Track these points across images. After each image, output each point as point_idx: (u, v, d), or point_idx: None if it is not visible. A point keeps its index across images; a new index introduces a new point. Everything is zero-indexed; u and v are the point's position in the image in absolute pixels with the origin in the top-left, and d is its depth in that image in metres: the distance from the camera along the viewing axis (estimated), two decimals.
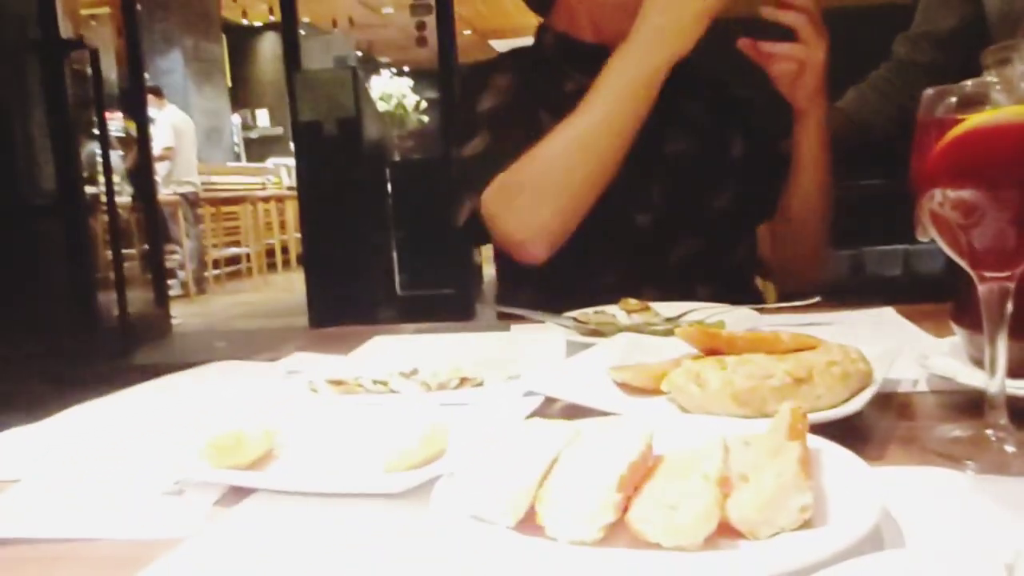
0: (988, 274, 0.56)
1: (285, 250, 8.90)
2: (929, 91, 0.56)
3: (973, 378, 0.66)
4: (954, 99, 0.55)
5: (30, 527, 0.54)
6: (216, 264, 7.97)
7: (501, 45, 13.09)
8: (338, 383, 0.76)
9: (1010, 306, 0.57)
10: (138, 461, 0.63)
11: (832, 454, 0.52)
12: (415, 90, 8.51)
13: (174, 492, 0.59)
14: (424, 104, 8.45)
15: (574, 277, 1.26)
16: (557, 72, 1.40)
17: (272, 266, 8.68)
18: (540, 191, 1.21)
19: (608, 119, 1.18)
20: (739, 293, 1.37)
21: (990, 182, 0.53)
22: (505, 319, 1.17)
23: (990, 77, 0.59)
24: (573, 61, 1.40)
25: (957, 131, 0.53)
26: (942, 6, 1.72)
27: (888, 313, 1.08)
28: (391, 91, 8.32)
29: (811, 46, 1.19)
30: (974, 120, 0.53)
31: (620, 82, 1.17)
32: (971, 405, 0.63)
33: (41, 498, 0.59)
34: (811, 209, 1.34)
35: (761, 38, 1.23)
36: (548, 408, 0.70)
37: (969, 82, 0.58)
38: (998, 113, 0.53)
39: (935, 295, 0.95)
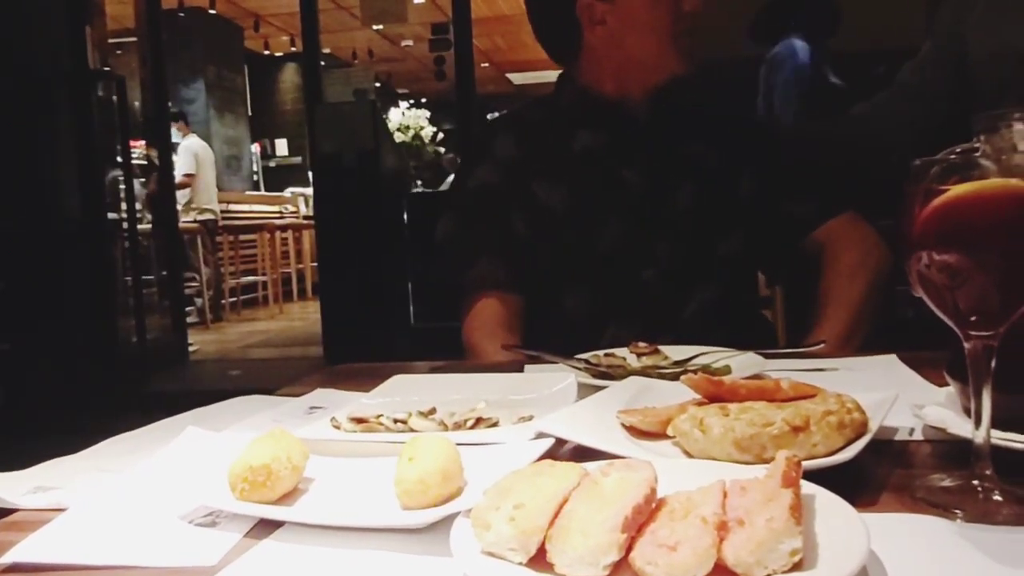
0: (973, 333, 0.60)
1: (301, 279, 8.95)
2: (916, 161, 0.60)
3: (963, 429, 0.68)
4: (939, 168, 0.59)
5: (76, 555, 0.58)
6: (233, 292, 8.02)
7: (518, 78, 13.24)
8: (360, 421, 0.80)
9: (994, 362, 0.60)
10: (174, 492, 0.67)
11: (824, 500, 0.55)
12: (432, 121, 8.58)
13: (207, 523, 0.63)
14: (441, 135, 8.52)
15: (585, 329, 1.29)
16: (570, 129, 1.43)
17: (288, 295, 8.73)
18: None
19: None
20: (751, 330, 1.39)
21: (973, 248, 0.57)
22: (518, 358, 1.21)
23: (978, 144, 0.63)
24: (590, 115, 1.43)
25: (942, 199, 0.57)
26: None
27: (890, 360, 1.09)
28: (408, 122, 8.40)
29: None
30: (957, 190, 0.57)
31: None
32: (962, 454, 0.65)
33: (86, 527, 0.63)
34: None
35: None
36: (559, 449, 0.73)
37: (958, 148, 0.62)
38: (980, 184, 0.57)
39: (942, 341, 0.97)
